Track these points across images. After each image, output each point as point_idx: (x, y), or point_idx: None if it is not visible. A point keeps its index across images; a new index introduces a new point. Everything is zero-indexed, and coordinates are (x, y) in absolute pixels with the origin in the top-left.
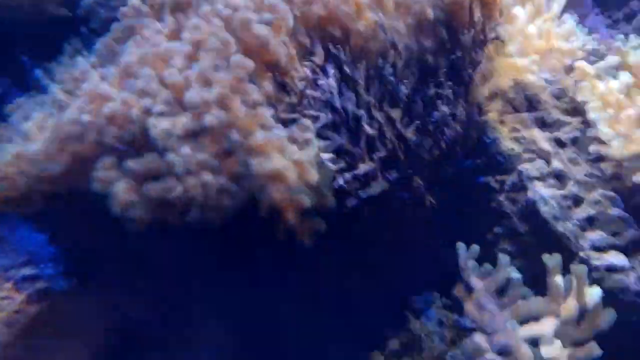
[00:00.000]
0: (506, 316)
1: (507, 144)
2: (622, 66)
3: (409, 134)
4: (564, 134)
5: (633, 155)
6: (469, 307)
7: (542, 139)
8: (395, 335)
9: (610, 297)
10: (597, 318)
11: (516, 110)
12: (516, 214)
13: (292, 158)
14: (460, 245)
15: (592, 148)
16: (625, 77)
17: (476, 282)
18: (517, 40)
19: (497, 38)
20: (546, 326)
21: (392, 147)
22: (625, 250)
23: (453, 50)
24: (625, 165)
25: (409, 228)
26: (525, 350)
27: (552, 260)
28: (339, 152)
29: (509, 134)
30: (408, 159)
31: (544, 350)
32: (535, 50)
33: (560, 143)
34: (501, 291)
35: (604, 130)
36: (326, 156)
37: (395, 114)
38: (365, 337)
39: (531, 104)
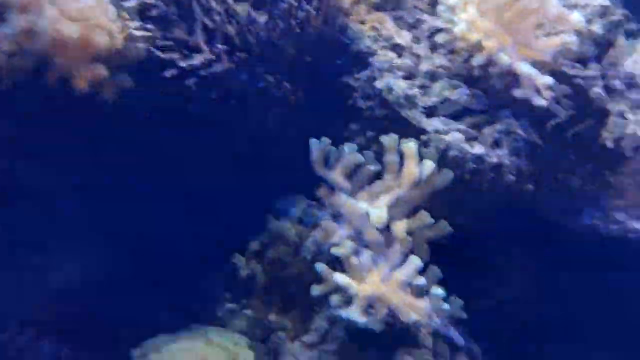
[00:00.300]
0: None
1: (366, 42)
2: None
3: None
4: (421, 31)
5: (474, 42)
6: (327, 200)
7: (398, 35)
8: (256, 237)
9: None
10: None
11: (379, 10)
12: (369, 108)
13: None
14: (312, 141)
15: (440, 37)
16: None
17: (327, 173)
18: None
19: None
20: (382, 201)
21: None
22: (466, 131)
23: None
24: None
25: (265, 121)
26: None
27: (387, 139)
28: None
29: (368, 32)
30: (248, 46)
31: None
32: None
33: (417, 39)
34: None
35: (445, 15)
36: None
37: None
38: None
39: (395, 4)
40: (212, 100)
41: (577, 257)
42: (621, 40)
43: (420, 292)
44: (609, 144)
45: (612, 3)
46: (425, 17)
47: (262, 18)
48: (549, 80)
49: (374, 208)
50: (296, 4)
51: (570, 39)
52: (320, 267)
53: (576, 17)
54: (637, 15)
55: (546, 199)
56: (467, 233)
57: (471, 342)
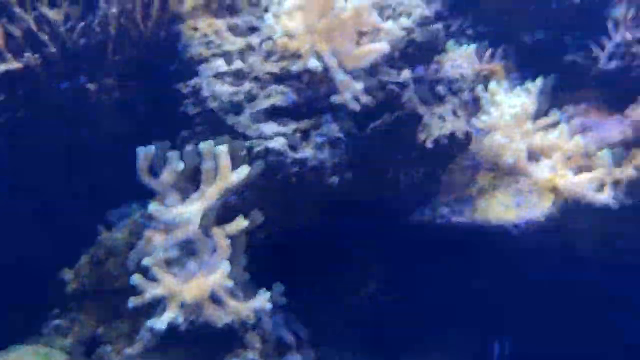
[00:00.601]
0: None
1: (197, 49)
2: None
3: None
4: (255, 38)
5: (294, 49)
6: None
7: (230, 42)
8: (86, 250)
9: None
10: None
11: (217, 17)
12: (197, 114)
13: None
14: (138, 149)
15: (264, 45)
16: None
17: (151, 181)
18: None
19: None
20: (196, 206)
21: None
22: (291, 135)
23: None
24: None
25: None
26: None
27: (203, 146)
28: None
29: (201, 39)
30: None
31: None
32: None
33: (250, 46)
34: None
35: (269, 24)
36: None
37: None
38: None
39: (232, 11)
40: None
41: (412, 250)
42: (443, 47)
43: (233, 294)
44: (429, 144)
45: (436, 11)
46: (259, 24)
47: (80, 24)
48: (360, 86)
49: (187, 215)
50: (114, 10)
51: (383, 47)
52: (135, 279)
53: (389, 26)
54: (458, 18)
55: (379, 198)
56: (306, 232)
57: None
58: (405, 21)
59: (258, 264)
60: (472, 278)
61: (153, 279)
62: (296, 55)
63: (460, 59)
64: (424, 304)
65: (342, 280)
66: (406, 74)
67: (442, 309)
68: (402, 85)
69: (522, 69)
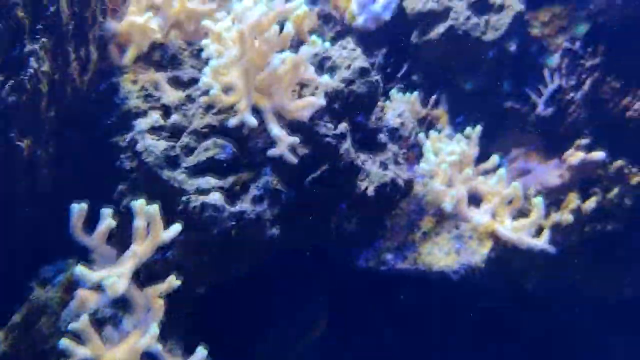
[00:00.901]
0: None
1: (135, 102)
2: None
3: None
4: (195, 90)
5: (230, 104)
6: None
7: (168, 95)
8: (19, 309)
9: (205, 231)
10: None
11: (158, 69)
12: (133, 169)
13: None
14: (72, 207)
15: (202, 99)
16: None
17: (85, 238)
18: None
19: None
20: (124, 267)
21: None
22: (230, 188)
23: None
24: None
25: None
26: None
27: (135, 204)
28: None
29: (139, 92)
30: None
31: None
32: (174, 13)
33: (190, 98)
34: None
35: (205, 80)
36: None
37: None
38: None
39: (173, 63)
40: None
41: (357, 295)
42: (384, 96)
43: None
44: (370, 192)
45: (377, 60)
46: (200, 76)
47: (8, 82)
48: (296, 140)
49: (115, 277)
50: (45, 68)
51: (319, 101)
52: (63, 343)
53: (326, 80)
54: (399, 66)
55: (322, 245)
56: (248, 282)
57: None
58: (345, 73)
59: (198, 318)
60: (418, 320)
61: (83, 341)
62: (234, 109)
63: (402, 107)
64: (371, 347)
65: (290, 328)
66: (344, 125)
67: (389, 352)
68: (339, 137)
69: (463, 114)
